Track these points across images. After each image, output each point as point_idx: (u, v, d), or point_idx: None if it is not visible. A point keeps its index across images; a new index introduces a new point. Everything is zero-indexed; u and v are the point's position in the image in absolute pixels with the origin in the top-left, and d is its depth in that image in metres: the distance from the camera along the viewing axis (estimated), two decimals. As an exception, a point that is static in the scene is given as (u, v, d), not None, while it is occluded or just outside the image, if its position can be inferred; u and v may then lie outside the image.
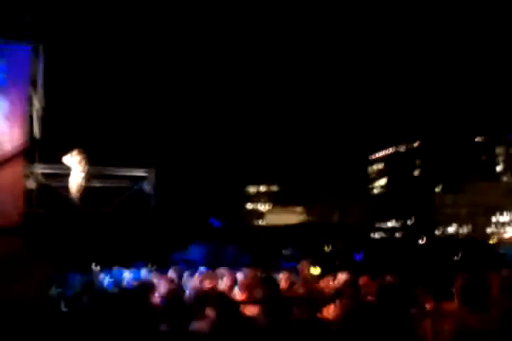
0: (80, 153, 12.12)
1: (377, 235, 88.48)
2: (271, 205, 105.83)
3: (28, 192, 12.03)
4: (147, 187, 13.36)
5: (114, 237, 12.43)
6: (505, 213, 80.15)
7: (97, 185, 13.29)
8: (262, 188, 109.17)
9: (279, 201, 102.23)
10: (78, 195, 12.16)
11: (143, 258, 11.65)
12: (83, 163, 12.18)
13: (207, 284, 6.53)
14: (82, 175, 12.16)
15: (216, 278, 6.81)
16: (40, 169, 12.57)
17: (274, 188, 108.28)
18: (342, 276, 6.79)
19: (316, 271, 7.85)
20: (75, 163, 12.15)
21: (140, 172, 13.18)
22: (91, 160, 12.40)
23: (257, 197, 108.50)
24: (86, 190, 12.60)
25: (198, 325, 4.52)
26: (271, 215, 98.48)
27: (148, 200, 13.55)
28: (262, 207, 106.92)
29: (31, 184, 12.67)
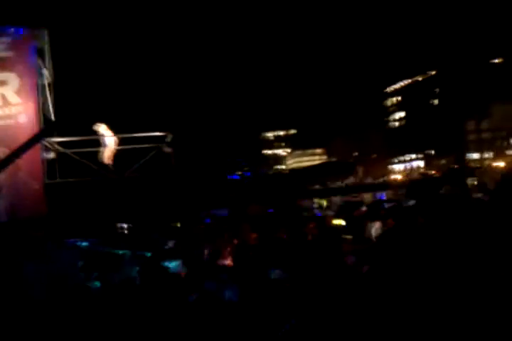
0: (106, 127, 12.27)
1: (398, 167, 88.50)
2: (290, 149, 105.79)
3: (49, 163, 12.15)
4: (166, 148, 13.30)
5: (139, 200, 12.54)
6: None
7: (117, 150, 13.32)
8: (281, 133, 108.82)
9: (298, 144, 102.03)
10: (110, 162, 12.39)
11: (172, 218, 11.81)
12: (109, 132, 12.35)
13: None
14: (113, 145, 12.39)
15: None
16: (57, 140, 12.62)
17: (292, 132, 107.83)
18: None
19: (339, 221, 7.87)
20: (104, 133, 12.34)
21: (157, 134, 13.11)
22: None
23: (276, 143, 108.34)
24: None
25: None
26: (291, 159, 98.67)
27: (169, 161, 13.54)
28: (282, 152, 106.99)
29: (50, 155, 12.78)
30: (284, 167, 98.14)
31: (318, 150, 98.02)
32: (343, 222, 9.33)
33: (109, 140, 12.38)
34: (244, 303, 4.79)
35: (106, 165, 12.51)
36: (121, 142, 12.86)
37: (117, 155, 13.10)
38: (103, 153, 12.37)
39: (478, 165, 54.65)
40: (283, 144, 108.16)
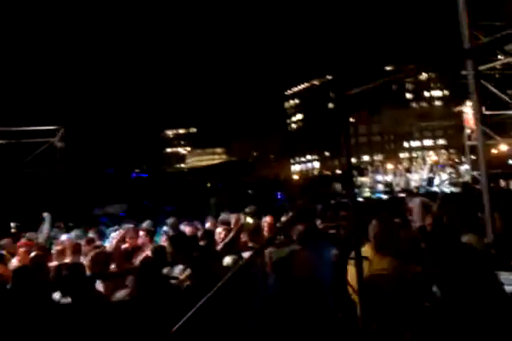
0: None
1: (296, 168, 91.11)
2: (191, 148, 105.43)
3: None
4: (58, 142, 12.85)
5: (28, 197, 12.03)
6: (415, 138, 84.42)
7: (4, 143, 12.67)
8: (181, 131, 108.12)
9: (198, 143, 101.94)
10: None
11: (62, 216, 11.42)
12: None
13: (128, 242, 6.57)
14: None
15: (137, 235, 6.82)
16: None
17: (193, 130, 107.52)
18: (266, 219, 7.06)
19: (251, 219, 7.96)
20: None
21: (49, 128, 12.61)
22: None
23: (176, 141, 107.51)
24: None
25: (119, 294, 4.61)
26: (191, 158, 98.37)
27: (61, 156, 13.08)
28: (182, 150, 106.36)
29: None
30: (183, 165, 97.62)
31: (218, 150, 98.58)
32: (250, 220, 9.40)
33: None
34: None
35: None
36: (9, 136, 12.25)
37: (5, 149, 12.47)
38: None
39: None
40: (183, 142, 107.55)
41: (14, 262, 6.50)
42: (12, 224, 11.79)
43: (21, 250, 6.67)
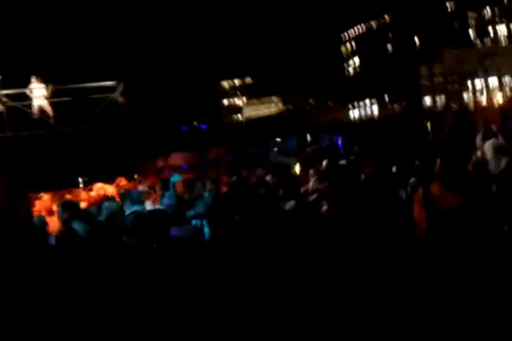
0: (38, 79, 12.00)
1: (355, 113, 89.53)
2: (247, 98, 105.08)
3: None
4: (119, 98, 13.11)
5: (94, 152, 12.44)
6: (480, 78, 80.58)
7: (67, 101, 13.05)
8: (236, 82, 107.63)
9: (254, 93, 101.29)
10: (50, 115, 12.18)
11: (129, 169, 11.80)
12: (45, 86, 12.11)
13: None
14: (46, 101, 12.16)
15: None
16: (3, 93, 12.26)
17: (248, 80, 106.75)
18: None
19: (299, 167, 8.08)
20: (37, 88, 12.10)
21: (109, 84, 12.85)
22: (56, 77, 12.12)
23: (232, 92, 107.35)
24: (57, 108, 12.49)
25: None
26: (248, 108, 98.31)
27: (123, 111, 13.38)
28: (239, 101, 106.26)
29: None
30: (241, 116, 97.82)
31: (275, 98, 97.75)
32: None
33: (39, 92, 12.19)
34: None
35: (38, 118, 12.42)
36: (70, 93, 12.61)
37: (68, 107, 12.86)
38: (35, 106, 12.28)
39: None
40: (239, 93, 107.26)
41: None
42: (80, 179, 12.32)
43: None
